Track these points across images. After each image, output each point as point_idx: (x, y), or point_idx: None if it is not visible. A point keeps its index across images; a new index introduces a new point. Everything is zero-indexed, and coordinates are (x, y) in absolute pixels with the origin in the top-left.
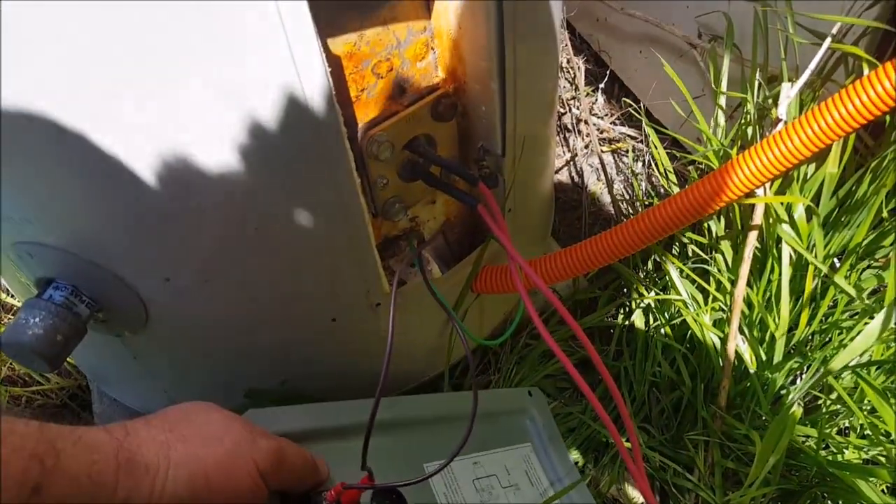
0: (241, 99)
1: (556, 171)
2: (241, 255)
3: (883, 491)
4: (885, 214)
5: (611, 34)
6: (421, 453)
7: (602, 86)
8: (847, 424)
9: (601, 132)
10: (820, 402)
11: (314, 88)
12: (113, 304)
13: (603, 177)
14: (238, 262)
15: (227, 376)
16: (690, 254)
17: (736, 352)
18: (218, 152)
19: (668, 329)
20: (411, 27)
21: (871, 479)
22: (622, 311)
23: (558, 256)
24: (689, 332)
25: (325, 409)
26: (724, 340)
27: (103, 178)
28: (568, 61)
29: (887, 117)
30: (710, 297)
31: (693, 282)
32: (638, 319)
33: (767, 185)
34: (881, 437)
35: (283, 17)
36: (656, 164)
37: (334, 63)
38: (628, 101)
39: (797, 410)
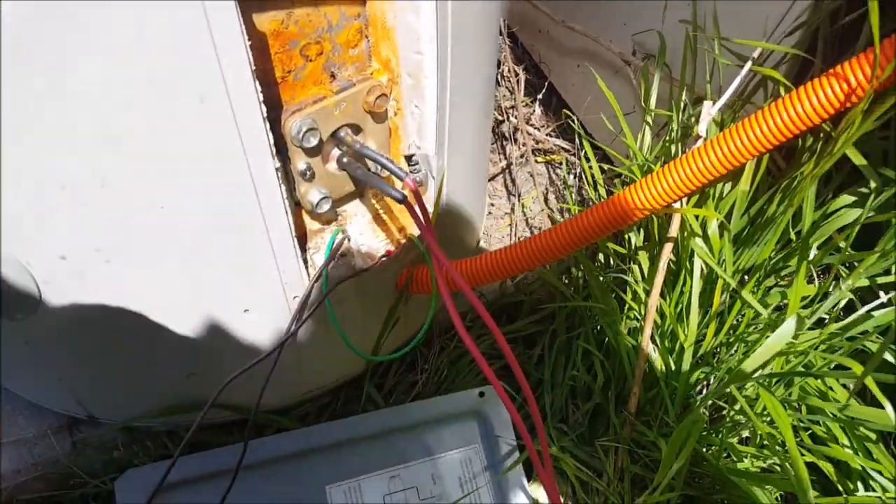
0: (154, 68)
1: (492, 178)
2: (147, 233)
3: (777, 499)
4: (792, 236)
5: (551, 46)
6: (324, 477)
7: (540, 97)
8: (748, 434)
9: (537, 143)
10: (725, 412)
11: (232, 62)
12: (1, 283)
13: (536, 187)
14: (143, 241)
15: (128, 365)
16: (612, 264)
17: (647, 360)
18: (125, 122)
19: (587, 336)
20: (344, 11)
21: (766, 487)
22: (546, 317)
23: (484, 258)
24: (607, 339)
25: (207, 458)
26: (637, 348)
27: None
28: (509, 70)
29: (798, 141)
30: (627, 306)
31: (612, 291)
32: (560, 326)
33: (684, 200)
34: (777, 448)
35: None
36: (586, 177)
37: (258, 39)
38: (567, 112)
39: (702, 419)
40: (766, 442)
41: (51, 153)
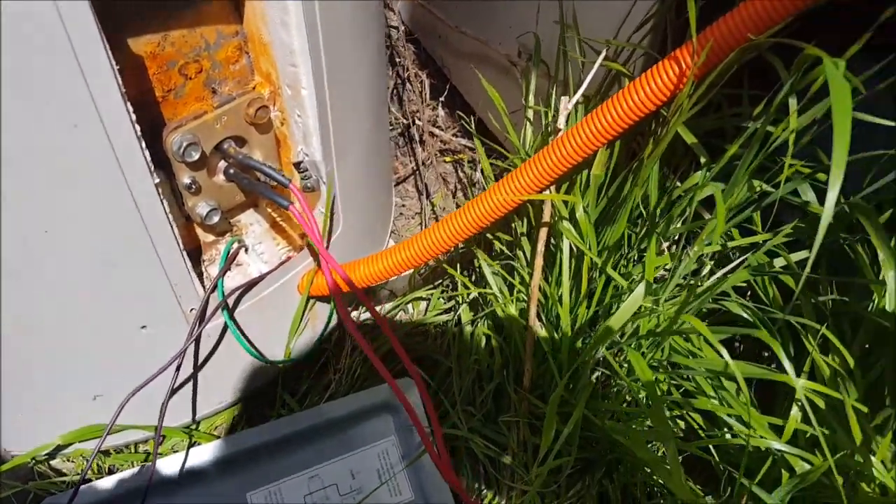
0: (26, 97)
1: (403, 180)
2: (40, 254)
3: (663, 454)
4: (655, 212)
5: (450, 50)
6: (244, 485)
7: (443, 99)
8: (631, 398)
9: (444, 143)
10: (612, 379)
11: (101, 88)
12: None
13: (445, 186)
14: (37, 262)
15: (36, 390)
16: (503, 252)
17: (536, 337)
18: (5, 149)
19: (488, 321)
20: (221, 30)
21: (649, 444)
22: (452, 307)
23: (374, 258)
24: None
25: (120, 480)
26: (526, 328)
27: None
28: (415, 75)
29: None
30: (515, 289)
31: (503, 278)
32: (464, 314)
33: (553, 187)
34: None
35: (63, 17)
36: (485, 174)
37: (134, 62)
38: (461, 113)
39: (588, 385)
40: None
41: None
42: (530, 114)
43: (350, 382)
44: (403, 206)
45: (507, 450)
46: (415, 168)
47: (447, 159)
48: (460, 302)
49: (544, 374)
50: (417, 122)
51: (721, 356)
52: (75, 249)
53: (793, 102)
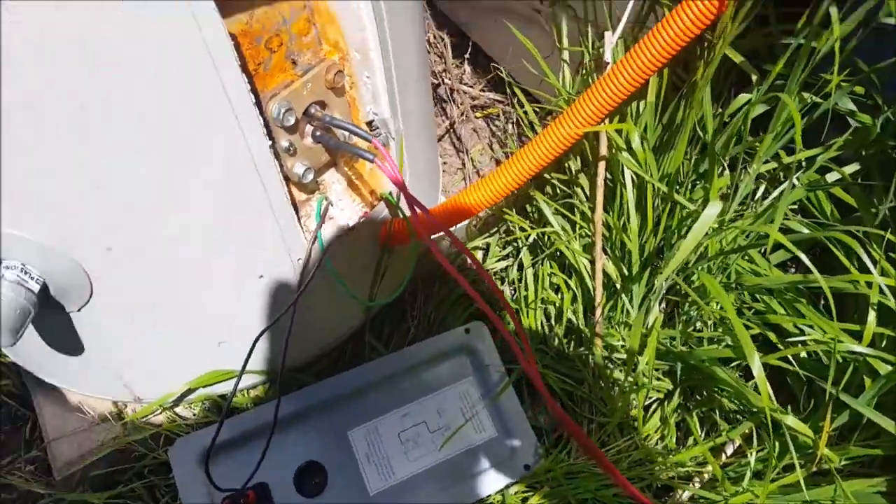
0: (160, 81)
1: (440, 139)
2: (178, 217)
3: (740, 375)
4: (708, 138)
5: (468, 7)
6: (345, 424)
7: (468, 56)
8: (702, 321)
9: (473, 100)
10: (680, 306)
11: (223, 60)
12: (60, 279)
13: (480, 140)
14: (174, 226)
15: (167, 342)
16: (559, 192)
17: (604, 270)
18: (143, 132)
19: (549, 262)
20: (294, 5)
21: (725, 366)
22: (511, 252)
23: (456, 198)
24: (567, 260)
25: (244, 419)
26: (593, 262)
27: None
28: (435, 37)
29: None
30: (578, 226)
31: (564, 216)
32: (525, 257)
33: (607, 122)
34: (726, 326)
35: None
36: (523, 122)
37: (233, 41)
38: (496, 66)
39: (659, 314)
40: (716, 323)
41: (95, 164)
42: (566, 55)
43: (427, 327)
44: (445, 163)
45: (583, 384)
46: (449, 126)
47: (478, 115)
48: (520, 246)
49: (615, 306)
50: (446, 81)
51: (810, 270)
52: (210, 208)
53: (834, 11)
